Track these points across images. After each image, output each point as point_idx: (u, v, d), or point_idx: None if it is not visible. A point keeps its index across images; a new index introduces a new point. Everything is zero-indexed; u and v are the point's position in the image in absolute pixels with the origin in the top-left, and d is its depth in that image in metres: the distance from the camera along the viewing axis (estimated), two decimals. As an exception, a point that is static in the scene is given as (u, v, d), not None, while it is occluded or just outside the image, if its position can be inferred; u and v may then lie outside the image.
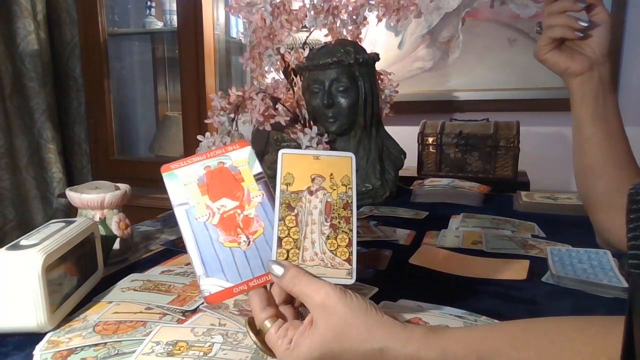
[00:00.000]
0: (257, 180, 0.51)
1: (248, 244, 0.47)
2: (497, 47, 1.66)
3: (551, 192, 1.18)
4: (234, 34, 2.02)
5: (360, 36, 1.29)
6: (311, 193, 0.48)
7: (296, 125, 1.22)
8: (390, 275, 0.70)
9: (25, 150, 1.98)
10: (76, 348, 0.50)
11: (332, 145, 1.17)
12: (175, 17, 1.86)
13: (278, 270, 0.44)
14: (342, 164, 0.51)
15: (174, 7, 1.85)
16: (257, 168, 0.52)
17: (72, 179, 2.14)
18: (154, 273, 0.71)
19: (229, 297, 0.45)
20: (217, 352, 0.48)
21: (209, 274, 0.45)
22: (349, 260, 0.46)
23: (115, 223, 0.76)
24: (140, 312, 0.57)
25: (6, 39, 1.89)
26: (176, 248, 0.84)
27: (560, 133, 1.67)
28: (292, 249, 0.46)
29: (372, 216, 1.02)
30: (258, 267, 0.46)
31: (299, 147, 1.11)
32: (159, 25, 1.97)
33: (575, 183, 0.70)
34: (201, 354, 0.47)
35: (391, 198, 1.19)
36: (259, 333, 0.44)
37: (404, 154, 1.24)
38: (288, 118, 1.19)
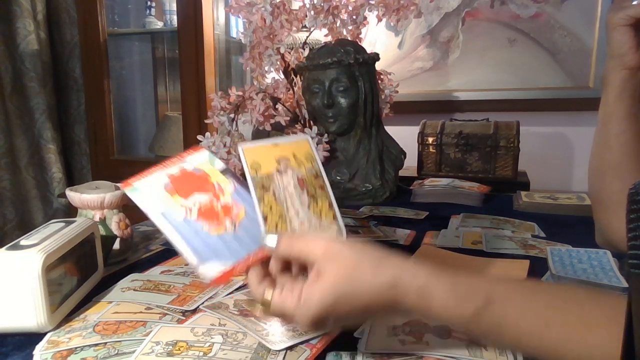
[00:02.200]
0: (223, 173, 0.52)
1: (234, 228, 0.48)
2: (497, 47, 1.66)
3: (551, 192, 1.18)
4: (234, 34, 2.02)
5: (360, 36, 1.29)
6: (280, 173, 0.51)
7: (296, 125, 1.22)
8: (390, 275, 0.70)
9: (25, 150, 1.98)
10: (76, 348, 0.50)
11: (332, 145, 1.17)
12: (175, 17, 1.86)
13: (272, 241, 0.44)
14: (302, 146, 0.53)
15: (174, 7, 1.85)
16: (220, 164, 0.53)
17: (72, 179, 2.14)
18: (154, 273, 0.71)
19: (231, 276, 0.45)
20: (217, 352, 0.48)
21: (204, 261, 0.45)
22: (335, 219, 0.48)
23: (115, 223, 0.76)
24: (140, 312, 0.57)
25: (6, 39, 1.89)
26: (176, 248, 0.84)
27: (560, 133, 1.67)
28: (278, 222, 0.47)
29: (372, 216, 1.02)
30: (250, 245, 0.47)
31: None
32: (159, 25, 1.97)
33: (589, 178, 0.69)
34: (201, 354, 0.47)
35: (391, 198, 1.19)
36: (265, 306, 0.44)
37: (404, 154, 1.24)
38: (288, 118, 1.19)
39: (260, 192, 0.48)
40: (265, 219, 0.47)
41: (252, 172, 0.49)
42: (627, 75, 0.61)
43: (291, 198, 0.49)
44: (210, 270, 0.45)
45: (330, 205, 0.50)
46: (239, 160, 0.53)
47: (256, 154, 0.51)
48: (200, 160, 0.53)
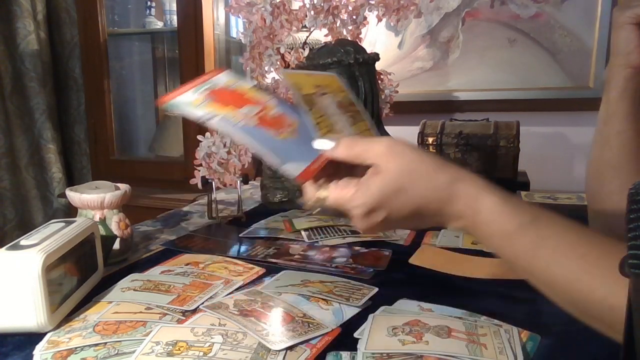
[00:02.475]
0: (256, 89, 0.52)
1: (293, 134, 0.48)
2: (497, 47, 1.66)
3: (551, 192, 1.18)
4: (234, 34, 2.02)
5: (360, 36, 1.29)
6: (320, 95, 0.52)
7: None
8: (390, 275, 0.70)
9: (25, 150, 1.98)
10: (76, 348, 0.50)
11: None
12: (175, 17, 1.86)
13: (330, 143, 0.45)
14: (331, 80, 0.56)
15: (174, 7, 1.85)
16: (249, 82, 0.54)
17: (72, 179, 2.14)
18: (154, 273, 0.71)
19: (311, 175, 0.45)
20: (217, 352, 0.48)
21: (285, 161, 0.45)
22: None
23: (115, 223, 0.76)
24: (140, 312, 0.57)
25: (6, 39, 1.89)
26: (176, 248, 0.84)
27: (560, 133, 1.67)
28: (329, 132, 0.49)
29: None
30: (312, 150, 0.47)
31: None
32: (159, 25, 1.97)
33: (587, 177, 0.69)
34: (201, 354, 0.47)
35: (391, 198, 1.19)
36: (321, 201, 0.45)
37: (404, 154, 1.24)
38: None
39: (307, 106, 0.50)
40: (317, 127, 0.48)
41: (296, 89, 0.51)
42: (630, 74, 0.62)
43: (334, 116, 0.51)
44: (293, 169, 0.45)
45: (369, 127, 0.52)
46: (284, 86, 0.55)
47: (296, 78, 0.53)
48: (227, 79, 0.52)
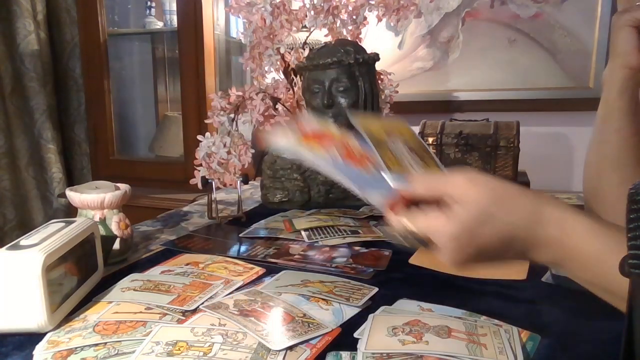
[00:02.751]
0: (336, 127, 0.56)
1: (375, 170, 0.49)
2: (497, 47, 1.66)
3: (551, 192, 1.18)
4: (234, 34, 2.02)
5: (360, 36, 1.29)
6: (390, 139, 0.54)
7: (296, 125, 1.22)
8: (390, 275, 0.70)
9: (25, 150, 1.98)
10: (76, 348, 0.50)
11: (332, 145, 1.17)
12: (175, 17, 1.86)
13: (405, 180, 0.45)
14: (399, 125, 0.58)
15: (174, 7, 1.85)
16: (332, 123, 0.57)
17: (72, 179, 2.14)
18: (154, 273, 0.71)
19: (398, 206, 0.45)
20: (217, 352, 0.48)
21: (368, 191, 0.47)
22: None
23: (115, 223, 0.76)
24: (140, 312, 0.57)
25: (6, 39, 1.89)
26: (176, 248, 0.84)
27: (560, 133, 1.67)
28: (399, 171, 0.49)
29: (372, 216, 1.02)
30: (389, 187, 0.48)
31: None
32: (159, 25, 1.97)
33: (585, 174, 0.70)
34: (201, 354, 0.47)
35: (391, 198, 1.19)
36: (410, 232, 0.45)
37: (404, 154, 1.24)
38: (288, 118, 1.19)
39: (378, 148, 0.51)
40: (389, 168, 0.49)
41: (366, 131, 0.52)
42: (628, 75, 0.64)
43: (403, 156, 0.52)
44: (377, 199, 0.46)
45: (438, 165, 0.53)
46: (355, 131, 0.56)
47: (366, 122, 0.54)
48: (309, 120, 0.57)
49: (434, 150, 1.50)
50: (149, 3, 1.96)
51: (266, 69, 1.19)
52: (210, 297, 0.61)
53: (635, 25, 0.61)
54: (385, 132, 0.55)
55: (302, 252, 0.80)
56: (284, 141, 0.51)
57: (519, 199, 0.42)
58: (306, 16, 1.16)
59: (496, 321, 0.54)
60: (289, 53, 1.21)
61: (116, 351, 0.49)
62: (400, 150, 0.53)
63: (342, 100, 1.13)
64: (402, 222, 0.45)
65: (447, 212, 0.42)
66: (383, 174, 0.48)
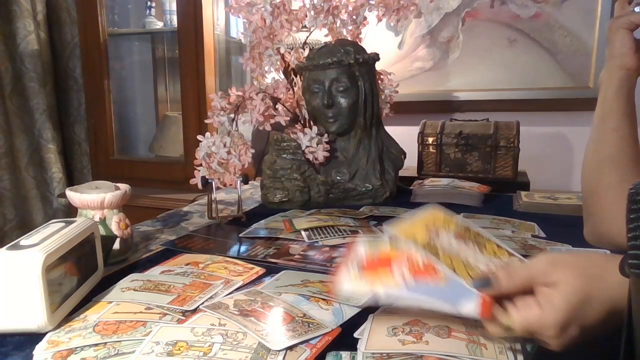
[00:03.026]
0: (393, 243, 0.52)
1: (445, 277, 0.47)
2: (497, 47, 1.66)
3: (551, 192, 1.18)
4: (234, 34, 2.02)
5: (360, 36, 1.29)
6: (436, 235, 0.52)
7: (296, 125, 1.22)
8: (390, 275, 0.70)
9: (25, 150, 1.98)
10: (76, 348, 0.50)
11: (332, 145, 1.17)
12: (175, 17, 1.86)
13: (487, 281, 0.44)
14: (436, 214, 0.56)
15: (174, 7, 1.85)
16: (385, 240, 0.53)
17: (72, 179, 2.14)
18: (154, 273, 0.71)
19: (489, 310, 0.44)
20: (217, 352, 0.48)
21: (456, 304, 0.45)
22: (511, 255, 0.49)
23: (115, 223, 0.76)
24: (140, 312, 0.57)
25: (6, 39, 1.89)
26: (176, 248, 0.84)
27: (560, 133, 1.67)
28: (466, 271, 0.47)
29: (372, 216, 1.02)
30: (470, 292, 0.46)
31: (299, 147, 1.11)
32: (159, 25, 1.97)
33: (584, 173, 0.71)
34: (201, 354, 0.47)
35: (391, 198, 1.19)
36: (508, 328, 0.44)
37: (404, 154, 1.24)
38: (288, 118, 1.19)
39: (432, 253, 0.49)
40: (455, 272, 0.47)
41: (413, 244, 0.50)
42: (625, 76, 0.65)
43: (460, 252, 0.49)
44: (470, 307, 0.45)
45: (498, 245, 0.51)
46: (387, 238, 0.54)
47: (404, 230, 0.53)
48: (364, 249, 0.53)
49: (434, 151, 1.50)
50: (149, 3, 1.95)
51: (266, 69, 1.19)
52: (210, 297, 0.61)
53: (630, 28, 0.64)
54: (426, 229, 0.52)
55: (302, 252, 0.80)
56: (349, 285, 0.49)
57: (607, 269, 0.41)
58: (306, 16, 1.16)
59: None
60: (289, 53, 1.21)
61: (116, 351, 0.49)
62: (451, 245, 0.50)
63: (342, 100, 1.13)
64: (500, 327, 0.44)
65: (541, 300, 0.41)
66: (457, 279, 0.46)
